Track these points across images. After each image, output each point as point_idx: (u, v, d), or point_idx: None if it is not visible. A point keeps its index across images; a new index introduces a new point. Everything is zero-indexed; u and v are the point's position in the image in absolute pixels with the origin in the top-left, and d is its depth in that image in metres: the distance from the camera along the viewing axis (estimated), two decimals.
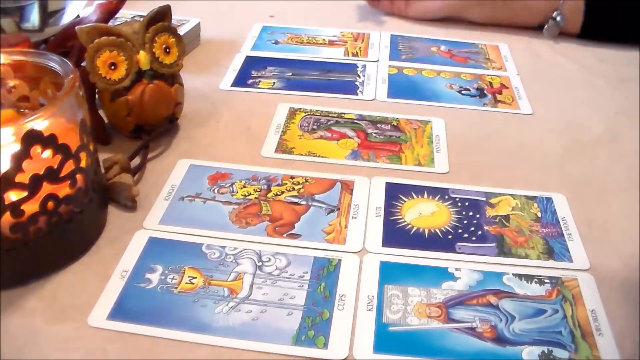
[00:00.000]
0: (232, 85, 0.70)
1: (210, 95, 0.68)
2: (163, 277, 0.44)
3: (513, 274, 0.46)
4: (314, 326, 0.41)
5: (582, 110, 0.68)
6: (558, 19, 0.80)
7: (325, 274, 0.45)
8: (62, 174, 0.42)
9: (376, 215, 0.51)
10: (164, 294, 0.43)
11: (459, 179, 0.56)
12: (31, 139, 0.40)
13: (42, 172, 0.41)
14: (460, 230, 0.50)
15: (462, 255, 0.47)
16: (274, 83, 0.70)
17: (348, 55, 0.77)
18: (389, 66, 0.75)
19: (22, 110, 0.49)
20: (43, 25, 0.67)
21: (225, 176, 0.55)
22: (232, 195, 0.52)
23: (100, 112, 0.58)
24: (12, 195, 0.41)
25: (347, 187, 0.54)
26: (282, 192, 0.53)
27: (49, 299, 0.43)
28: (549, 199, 0.53)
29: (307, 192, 0.53)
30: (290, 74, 0.72)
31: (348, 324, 0.41)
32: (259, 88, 0.69)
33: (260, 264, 0.46)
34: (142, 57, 0.55)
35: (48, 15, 0.68)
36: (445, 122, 0.64)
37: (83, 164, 0.44)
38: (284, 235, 0.49)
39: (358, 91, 0.69)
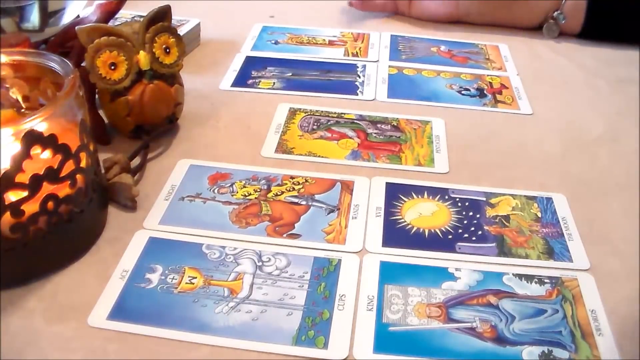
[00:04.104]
0: (232, 85, 0.70)
1: (210, 95, 0.68)
2: (163, 277, 0.44)
3: (513, 274, 0.46)
4: (314, 326, 0.41)
5: (582, 110, 0.68)
6: (560, 18, 0.80)
7: (325, 274, 0.45)
8: (62, 174, 0.42)
9: (376, 215, 0.51)
10: (164, 294, 0.43)
11: (459, 179, 0.56)
12: (31, 139, 0.40)
13: (42, 172, 0.41)
14: (460, 230, 0.50)
15: (462, 255, 0.47)
16: (274, 83, 0.70)
17: (348, 55, 0.77)
18: (389, 66, 0.75)
19: (22, 110, 0.49)
20: (43, 25, 0.67)
21: (225, 176, 0.55)
22: (232, 195, 0.52)
23: (100, 112, 0.58)
24: (12, 195, 0.41)
25: (347, 187, 0.54)
26: (282, 192, 0.53)
27: (49, 299, 0.43)
28: (549, 199, 0.53)
29: (307, 192, 0.53)
30: (290, 74, 0.72)
31: (348, 324, 0.41)
32: (259, 88, 0.69)
33: (260, 264, 0.46)
34: (142, 57, 0.55)
35: (48, 15, 0.68)
36: (445, 122, 0.64)
37: (83, 164, 0.44)
38: (284, 235, 0.49)
39: (358, 91, 0.69)
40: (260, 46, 0.78)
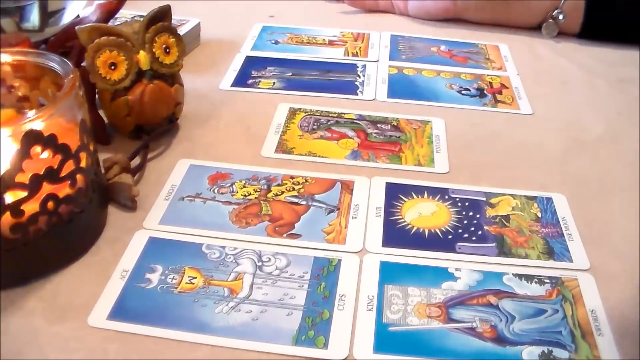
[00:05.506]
0: (232, 85, 0.70)
1: (210, 95, 0.68)
2: (163, 277, 0.44)
3: (513, 274, 0.46)
4: (314, 326, 0.41)
5: (582, 110, 0.68)
6: (560, 17, 0.80)
7: (325, 274, 0.45)
8: (62, 174, 0.42)
9: (376, 215, 0.51)
10: (164, 294, 0.43)
11: (459, 179, 0.56)
12: (31, 139, 0.40)
13: (42, 172, 0.41)
14: (460, 230, 0.50)
15: (462, 255, 0.47)
16: (274, 83, 0.70)
17: (348, 55, 0.77)
18: (389, 66, 0.75)
19: (22, 110, 0.49)
20: (43, 25, 0.67)
21: (225, 176, 0.55)
22: (232, 195, 0.52)
23: (100, 112, 0.58)
24: (12, 196, 0.41)
25: (347, 187, 0.54)
26: (282, 192, 0.53)
27: (49, 299, 0.43)
28: (549, 199, 0.53)
29: (307, 192, 0.53)
30: (290, 74, 0.72)
31: (348, 324, 0.41)
32: (259, 88, 0.69)
33: (260, 264, 0.46)
34: (142, 57, 0.55)
35: (48, 15, 0.68)
36: (445, 122, 0.64)
37: (83, 164, 0.44)
38: (284, 235, 0.49)
39: (358, 91, 0.69)
40: (260, 46, 0.78)
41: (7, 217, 0.41)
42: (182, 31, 0.73)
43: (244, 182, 0.54)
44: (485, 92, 0.70)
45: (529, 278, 0.46)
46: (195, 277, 0.45)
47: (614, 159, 0.59)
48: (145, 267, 0.45)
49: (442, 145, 0.60)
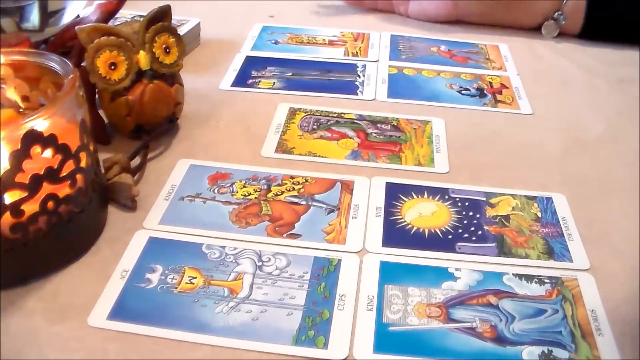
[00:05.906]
0: (232, 85, 0.70)
1: (210, 95, 0.68)
2: (163, 277, 0.44)
3: (513, 274, 0.46)
4: (314, 326, 0.41)
5: (582, 110, 0.68)
6: (561, 19, 0.80)
7: (325, 274, 0.45)
8: (62, 174, 0.42)
9: (376, 215, 0.51)
10: (164, 294, 0.43)
11: (459, 179, 0.56)
12: (31, 139, 0.40)
13: (42, 172, 0.41)
14: (460, 230, 0.50)
15: (462, 255, 0.47)
16: (274, 83, 0.70)
17: (348, 55, 0.77)
18: (389, 66, 0.75)
19: (22, 110, 0.49)
20: (43, 25, 0.67)
21: (225, 176, 0.55)
22: (232, 195, 0.52)
23: (100, 112, 0.58)
24: (12, 196, 0.41)
25: (347, 187, 0.54)
26: (282, 192, 0.53)
27: (49, 299, 0.43)
28: (549, 199, 0.53)
29: (307, 192, 0.53)
30: (290, 74, 0.72)
31: (348, 324, 0.41)
32: (259, 88, 0.69)
33: (260, 264, 0.46)
34: (142, 57, 0.55)
35: (48, 15, 0.68)
36: (445, 122, 0.64)
37: (83, 164, 0.44)
38: (284, 235, 0.49)
39: (358, 91, 0.69)
40: (260, 46, 0.78)
41: (7, 217, 0.41)
42: (182, 31, 0.73)
43: (244, 182, 0.54)
44: (485, 92, 0.70)
45: (529, 278, 0.46)
46: (195, 277, 0.45)
47: (614, 159, 0.59)
48: (145, 267, 0.45)
49: (442, 145, 0.60)
